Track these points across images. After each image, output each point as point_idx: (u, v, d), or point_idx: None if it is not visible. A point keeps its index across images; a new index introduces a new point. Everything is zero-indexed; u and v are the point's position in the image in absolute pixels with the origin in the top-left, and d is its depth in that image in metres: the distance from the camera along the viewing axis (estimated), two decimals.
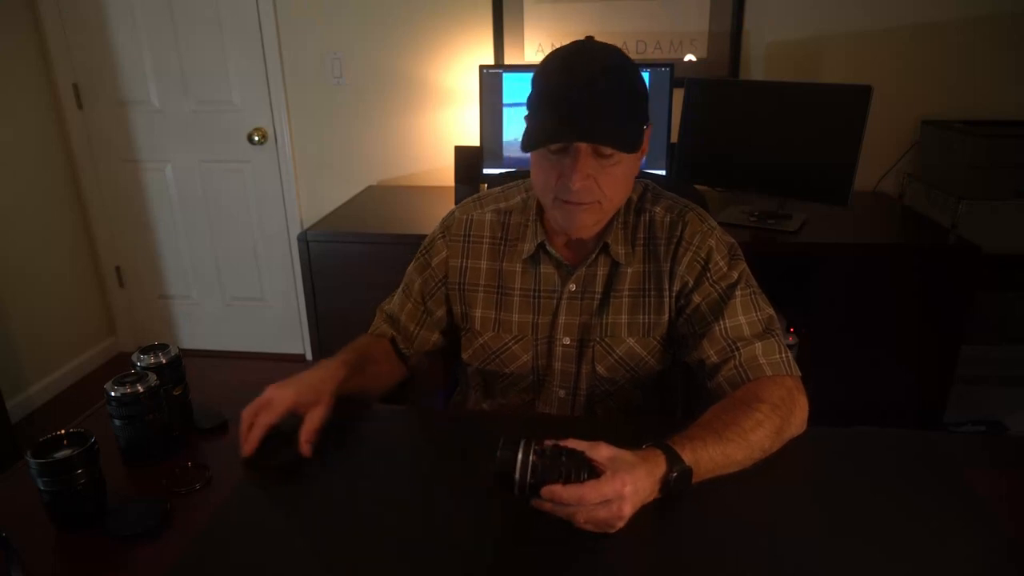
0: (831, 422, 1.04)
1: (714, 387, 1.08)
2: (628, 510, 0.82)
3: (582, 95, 0.96)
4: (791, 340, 2.08)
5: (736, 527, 0.86)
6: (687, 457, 0.89)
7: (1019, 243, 2.41)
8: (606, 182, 1.02)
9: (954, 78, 2.42)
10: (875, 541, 0.83)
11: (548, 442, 0.85)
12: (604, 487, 0.81)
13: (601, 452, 0.85)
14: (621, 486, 0.81)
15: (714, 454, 0.91)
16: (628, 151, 0.99)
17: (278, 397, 1.00)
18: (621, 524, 0.83)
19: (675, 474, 0.87)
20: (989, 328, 2.44)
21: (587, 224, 1.07)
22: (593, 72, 0.97)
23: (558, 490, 0.81)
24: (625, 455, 0.85)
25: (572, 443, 0.85)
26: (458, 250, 1.21)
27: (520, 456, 0.83)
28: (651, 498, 0.87)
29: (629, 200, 1.15)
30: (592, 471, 0.84)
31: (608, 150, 0.98)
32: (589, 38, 1.05)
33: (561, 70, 0.99)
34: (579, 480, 0.82)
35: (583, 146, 0.98)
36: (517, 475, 0.82)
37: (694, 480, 0.89)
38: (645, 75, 2.23)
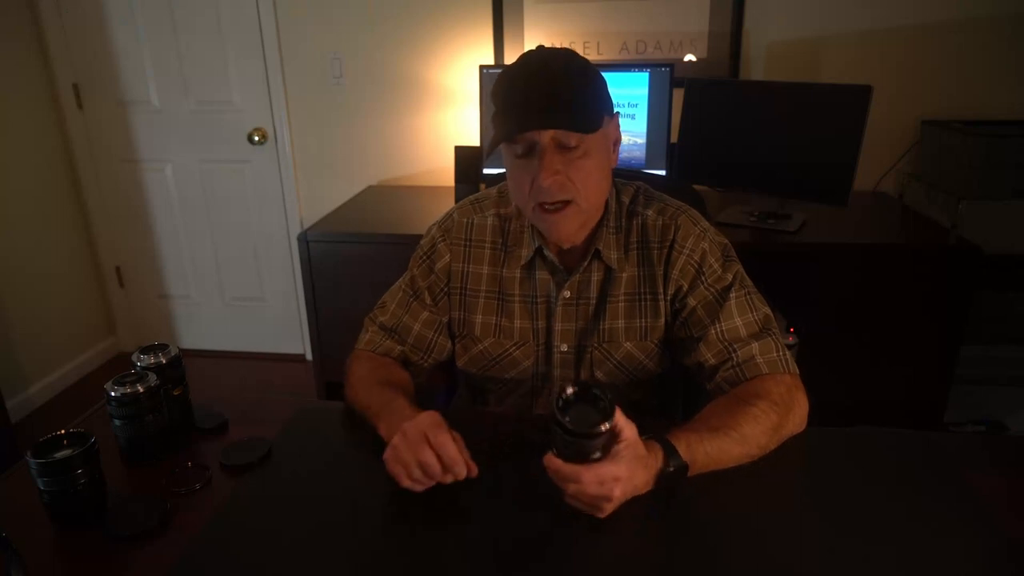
0: (831, 422, 1.04)
1: (712, 388, 1.09)
2: (618, 492, 0.84)
3: (533, 90, 0.98)
4: (791, 340, 2.07)
5: (735, 527, 0.86)
6: (683, 452, 0.91)
7: (1019, 243, 2.41)
8: (577, 176, 1.02)
9: (954, 78, 2.42)
10: (875, 541, 0.83)
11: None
12: (603, 470, 0.83)
13: (628, 434, 0.86)
14: (617, 470, 0.84)
15: (710, 449, 0.93)
16: (587, 130, 0.99)
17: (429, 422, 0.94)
18: (609, 507, 0.85)
19: (671, 469, 0.89)
20: (989, 328, 2.43)
21: (571, 230, 1.08)
22: (542, 68, 0.99)
23: (559, 465, 0.83)
24: (640, 447, 0.87)
25: (621, 419, 0.84)
26: (460, 254, 1.20)
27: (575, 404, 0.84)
28: (645, 489, 0.89)
29: (620, 203, 1.16)
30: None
31: (572, 141, 0.99)
32: (540, 47, 1.06)
33: (512, 77, 1.01)
34: (590, 457, 0.83)
35: (546, 143, 0.99)
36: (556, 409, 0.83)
37: (689, 474, 0.91)
38: (644, 75, 2.27)
